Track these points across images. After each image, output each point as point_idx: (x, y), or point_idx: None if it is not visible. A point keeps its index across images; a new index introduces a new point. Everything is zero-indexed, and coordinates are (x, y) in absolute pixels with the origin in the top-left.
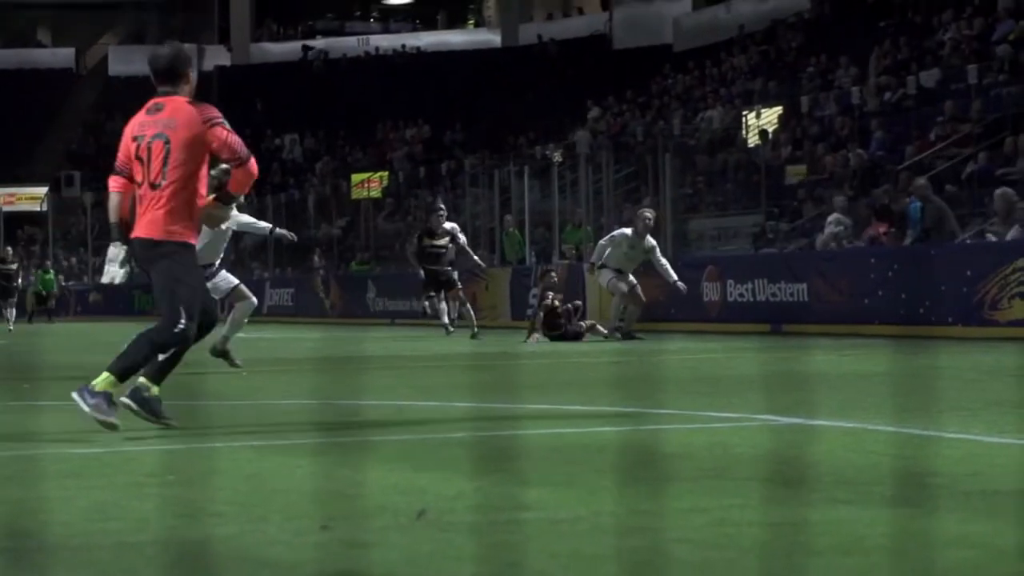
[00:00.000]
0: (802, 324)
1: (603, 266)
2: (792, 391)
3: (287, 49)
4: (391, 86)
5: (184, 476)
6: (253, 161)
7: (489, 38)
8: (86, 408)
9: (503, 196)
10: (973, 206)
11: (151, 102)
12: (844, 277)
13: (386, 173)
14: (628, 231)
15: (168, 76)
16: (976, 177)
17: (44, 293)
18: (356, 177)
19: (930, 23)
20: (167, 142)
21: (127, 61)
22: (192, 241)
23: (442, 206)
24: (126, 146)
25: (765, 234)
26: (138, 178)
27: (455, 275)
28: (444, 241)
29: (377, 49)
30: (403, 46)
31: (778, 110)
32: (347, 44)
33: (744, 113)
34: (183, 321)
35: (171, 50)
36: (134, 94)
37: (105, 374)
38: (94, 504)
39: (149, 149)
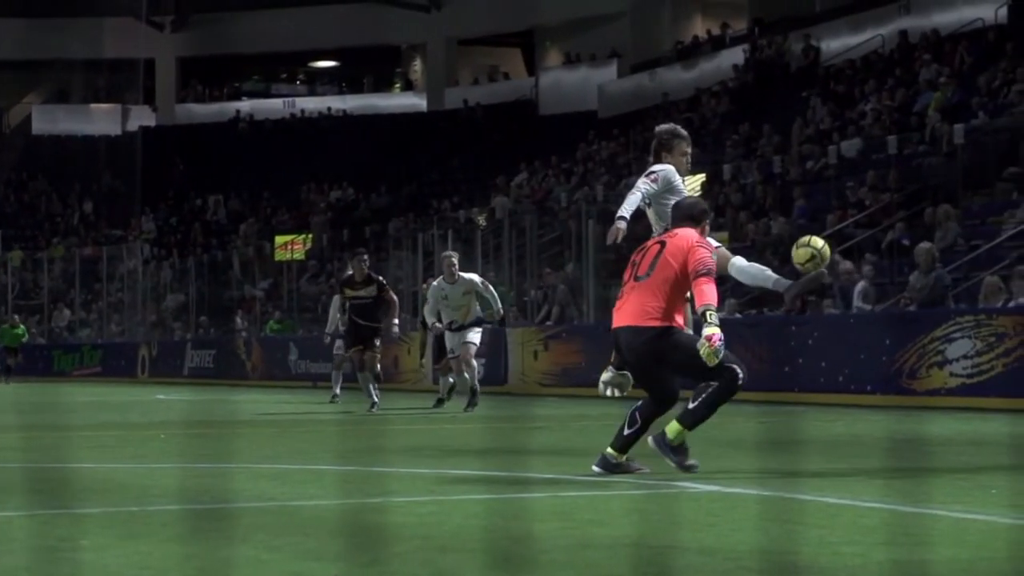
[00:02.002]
0: None
1: (434, 324)
2: (713, 458)
3: (212, 110)
4: (316, 148)
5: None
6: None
7: (415, 102)
8: (667, 460)
9: (426, 259)
10: (892, 275)
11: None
12: (765, 344)
13: (310, 235)
14: (438, 281)
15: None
16: (895, 246)
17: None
18: (280, 239)
19: (852, 93)
20: (663, 245)
21: (51, 120)
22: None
23: (364, 252)
24: None
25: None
26: (625, 277)
27: (378, 340)
28: (368, 291)
29: (303, 111)
30: (329, 109)
31: (701, 177)
32: (273, 106)
33: None
34: (741, 373)
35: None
36: (57, 153)
37: (675, 424)
38: None
39: (644, 253)
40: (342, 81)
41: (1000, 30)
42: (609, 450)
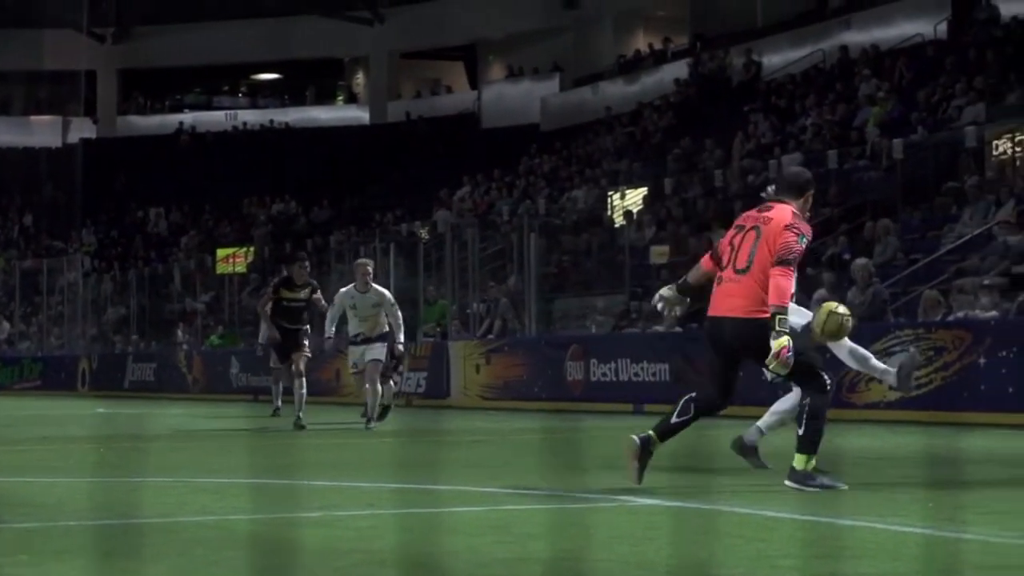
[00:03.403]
0: (665, 404)
1: (327, 338)
2: (654, 472)
3: (154, 123)
4: (258, 161)
5: None
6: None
7: (357, 115)
8: (810, 490)
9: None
10: (831, 289)
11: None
12: (705, 358)
13: (252, 248)
14: (348, 288)
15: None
16: (836, 260)
17: None
18: (221, 252)
19: (793, 108)
20: (759, 233)
21: None
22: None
23: (305, 256)
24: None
25: (628, 314)
26: (724, 262)
27: (306, 340)
28: (304, 294)
29: (245, 124)
30: (271, 121)
31: (643, 191)
32: (215, 119)
33: (609, 193)
34: (828, 379)
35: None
36: None
37: (799, 455)
38: None
39: (743, 238)
40: (284, 94)
41: (939, 45)
42: (651, 431)
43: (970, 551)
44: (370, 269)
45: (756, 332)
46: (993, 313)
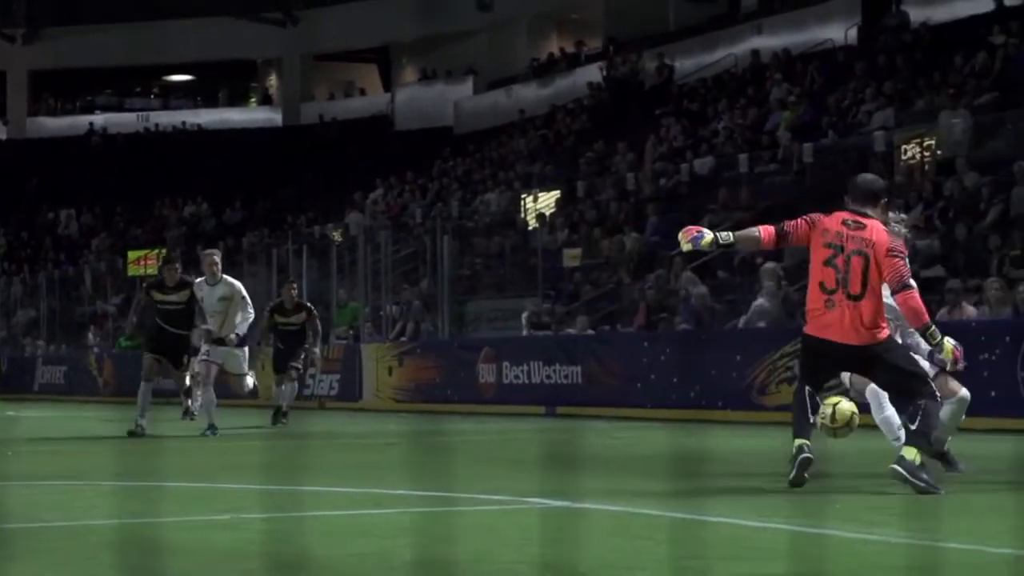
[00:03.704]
0: (576, 406)
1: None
2: (563, 473)
3: (65, 124)
4: (170, 163)
5: None
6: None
7: (270, 117)
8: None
9: (280, 275)
10: (743, 292)
11: (847, 215)
12: (618, 360)
13: (163, 250)
14: (199, 280)
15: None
16: (746, 264)
17: None
18: (133, 254)
19: (705, 112)
20: (866, 259)
21: None
22: None
23: (177, 258)
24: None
25: (541, 317)
26: (830, 285)
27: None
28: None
29: (157, 126)
30: (183, 123)
31: (556, 194)
32: (127, 120)
33: (522, 196)
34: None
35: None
36: None
37: (909, 448)
38: None
39: (848, 262)
40: (197, 95)
41: (849, 51)
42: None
43: (871, 552)
44: (217, 260)
45: (873, 353)
46: None
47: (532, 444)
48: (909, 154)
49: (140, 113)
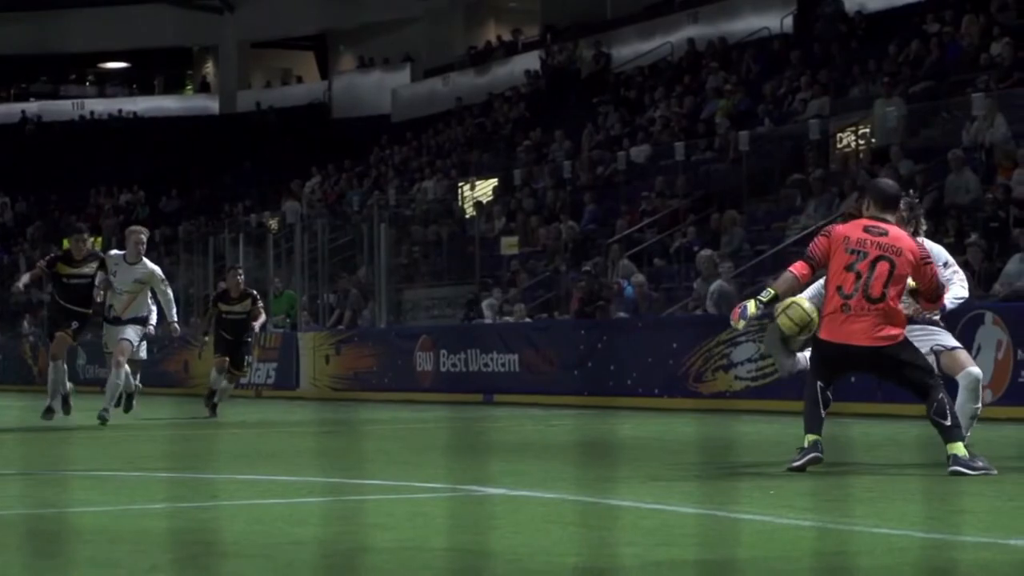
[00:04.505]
0: (513, 394)
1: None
2: (499, 461)
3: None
4: (106, 151)
5: None
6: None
7: (207, 104)
8: (974, 473)
9: (217, 263)
10: (680, 280)
11: (869, 223)
12: (554, 348)
13: (99, 238)
14: (118, 252)
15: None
16: (683, 251)
17: None
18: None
19: (642, 100)
20: (892, 265)
21: None
22: None
23: (84, 228)
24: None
25: (478, 304)
26: (847, 290)
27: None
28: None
29: (92, 113)
30: (119, 111)
31: (493, 182)
32: (62, 108)
33: (460, 184)
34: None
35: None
36: None
37: (953, 444)
38: None
39: (873, 267)
40: (133, 83)
41: (785, 39)
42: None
43: (807, 537)
44: (143, 239)
45: (889, 355)
46: None
47: (468, 432)
48: (844, 142)
49: (75, 101)
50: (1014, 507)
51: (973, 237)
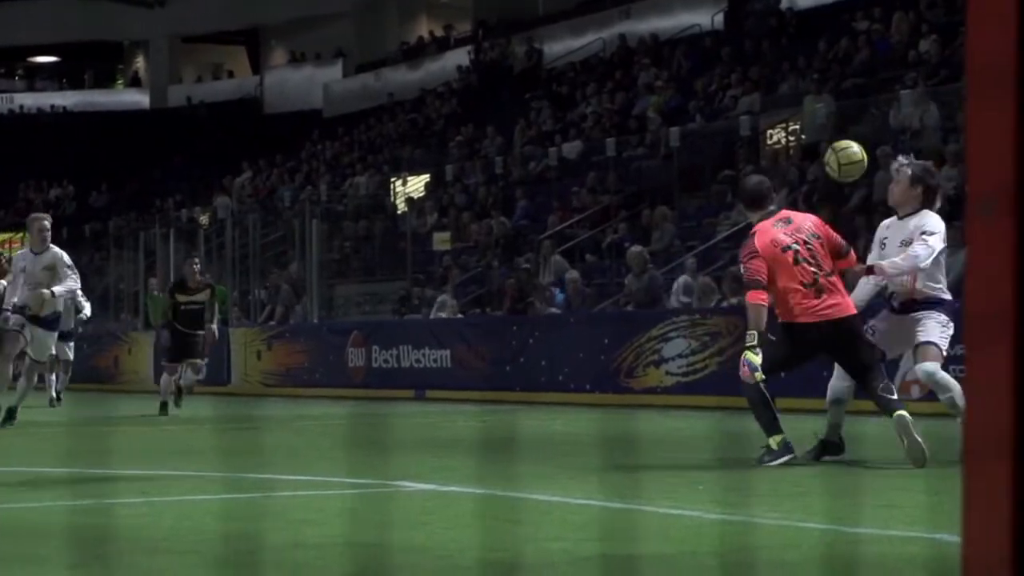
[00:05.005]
0: (446, 390)
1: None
2: (430, 457)
3: None
4: (35, 145)
5: None
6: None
7: (138, 99)
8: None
9: (148, 259)
10: (611, 276)
11: (768, 223)
12: (486, 344)
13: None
14: (24, 250)
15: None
16: (615, 247)
17: None
18: None
19: (574, 96)
20: (819, 239)
21: None
22: None
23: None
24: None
25: (411, 300)
26: (808, 278)
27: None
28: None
29: (22, 108)
30: (49, 105)
31: (425, 178)
32: None
33: (392, 180)
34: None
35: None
36: None
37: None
38: None
39: (810, 249)
40: (63, 77)
41: (716, 36)
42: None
43: (736, 532)
44: (47, 225)
45: (852, 327)
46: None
47: (399, 428)
48: (774, 139)
49: (4, 95)
50: (939, 501)
51: None
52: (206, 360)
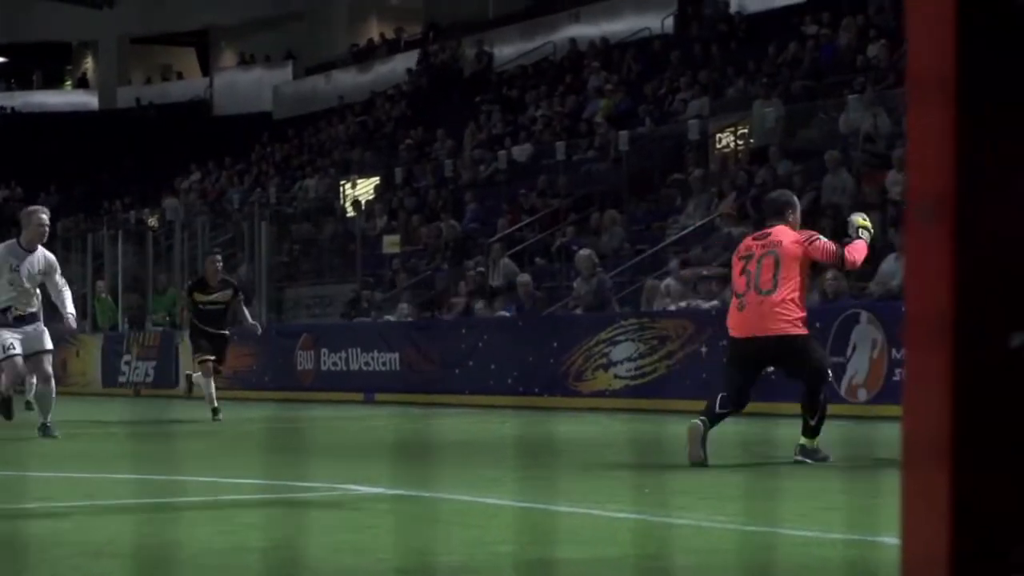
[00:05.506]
0: (395, 393)
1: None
2: (378, 460)
3: None
4: None
5: None
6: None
7: (86, 100)
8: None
9: (96, 261)
10: (560, 279)
11: (758, 232)
12: (436, 347)
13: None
14: (11, 242)
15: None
16: (564, 250)
17: None
18: None
19: (524, 99)
20: (776, 257)
21: None
22: None
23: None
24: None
25: (360, 303)
26: (740, 289)
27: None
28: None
29: None
30: None
31: (375, 180)
32: None
33: (341, 183)
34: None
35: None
36: None
37: (804, 438)
38: None
39: (759, 263)
40: (11, 78)
41: (666, 40)
42: (803, 440)
43: (681, 536)
44: (45, 219)
45: (788, 346)
46: (715, 303)
47: (348, 432)
48: (723, 142)
49: None
50: (877, 504)
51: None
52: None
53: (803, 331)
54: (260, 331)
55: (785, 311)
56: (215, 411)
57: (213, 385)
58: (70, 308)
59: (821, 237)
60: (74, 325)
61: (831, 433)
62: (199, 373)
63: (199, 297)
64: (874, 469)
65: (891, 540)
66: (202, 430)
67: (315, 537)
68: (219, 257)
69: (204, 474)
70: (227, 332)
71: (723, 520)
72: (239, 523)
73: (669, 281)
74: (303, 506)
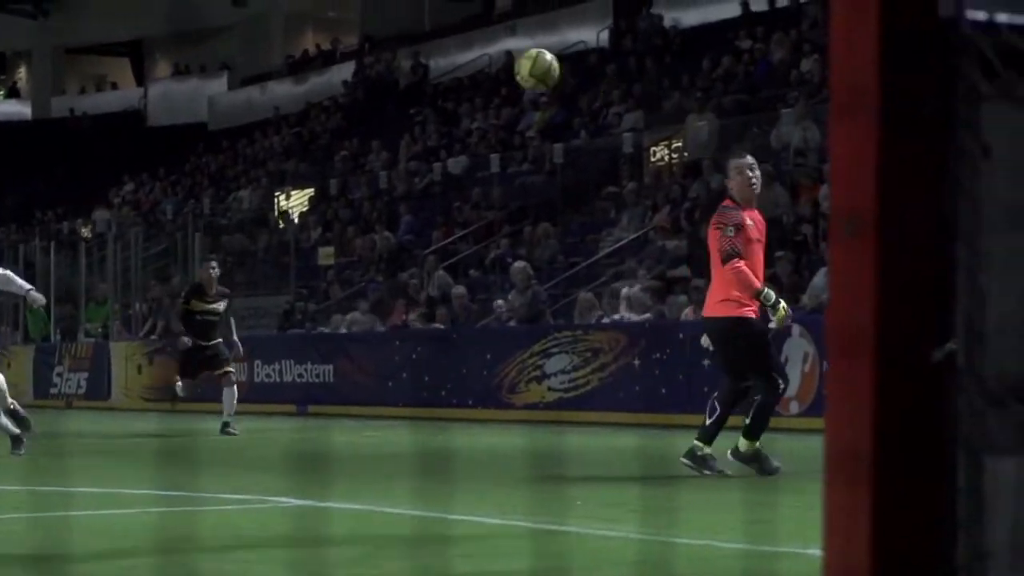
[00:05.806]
0: (328, 405)
1: None
2: (308, 472)
3: None
4: None
5: None
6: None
7: (20, 110)
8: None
9: (28, 272)
10: (494, 291)
11: None
12: (369, 359)
13: None
14: None
15: None
16: (498, 262)
17: None
18: None
19: (459, 111)
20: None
21: None
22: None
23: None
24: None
25: (294, 314)
26: None
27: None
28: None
29: None
30: None
31: (309, 192)
32: None
33: (276, 194)
34: (783, 384)
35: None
36: None
37: (743, 440)
38: None
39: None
40: None
41: (601, 53)
42: (696, 442)
43: (609, 548)
44: None
45: (722, 327)
46: (648, 316)
47: (280, 443)
48: (657, 156)
49: None
50: (814, 516)
51: (781, 251)
52: (235, 381)
53: (738, 313)
54: (242, 354)
55: (718, 292)
56: (225, 424)
57: (235, 396)
58: (26, 285)
59: (728, 231)
60: (40, 297)
61: (769, 446)
62: (180, 384)
63: (197, 305)
64: (808, 481)
65: (795, 550)
66: (131, 442)
67: (249, 551)
68: (215, 263)
69: (132, 486)
70: (219, 341)
71: (650, 532)
72: (168, 536)
73: (636, 290)
74: (224, 517)
